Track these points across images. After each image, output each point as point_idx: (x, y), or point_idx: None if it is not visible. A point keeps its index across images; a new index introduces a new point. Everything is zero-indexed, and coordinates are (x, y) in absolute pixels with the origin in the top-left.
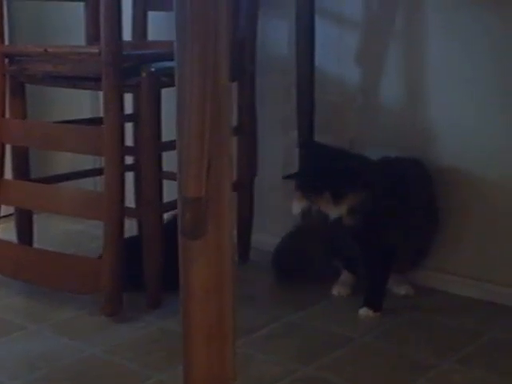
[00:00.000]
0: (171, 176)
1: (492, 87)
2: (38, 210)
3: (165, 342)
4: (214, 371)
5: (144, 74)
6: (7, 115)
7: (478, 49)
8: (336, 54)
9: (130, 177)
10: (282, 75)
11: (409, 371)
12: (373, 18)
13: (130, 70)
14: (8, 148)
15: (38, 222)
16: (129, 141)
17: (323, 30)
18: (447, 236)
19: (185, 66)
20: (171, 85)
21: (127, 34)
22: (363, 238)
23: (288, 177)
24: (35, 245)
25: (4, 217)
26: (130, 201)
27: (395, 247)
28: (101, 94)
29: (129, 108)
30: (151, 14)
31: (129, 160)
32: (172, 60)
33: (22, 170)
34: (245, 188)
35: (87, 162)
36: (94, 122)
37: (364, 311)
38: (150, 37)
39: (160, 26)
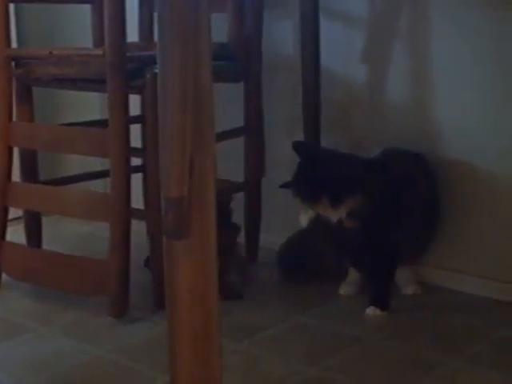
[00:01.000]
0: None
1: (499, 86)
2: (45, 213)
3: None
4: (200, 372)
5: (148, 76)
6: (14, 118)
7: (484, 47)
8: (341, 53)
9: (138, 178)
10: (288, 75)
11: (416, 370)
12: (378, 17)
13: (135, 71)
14: (16, 151)
15: (47, 225)
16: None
17: (328, 29)
18: (454, 233)
19: (166, 66)
20: None
21: (134, 35)
22: (365, 240)
23: (284, 186)
24: (44, 247)
25: (13, 219)
26: (139, 202)
27: (397, 246)
28: None
29: (137, 109)
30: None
31: (138, 161)
32: None
33: (30, 172)
34: (252, 188)
35: (97, 163)
36: (102, 123)
37: (371, 310)
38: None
39: None
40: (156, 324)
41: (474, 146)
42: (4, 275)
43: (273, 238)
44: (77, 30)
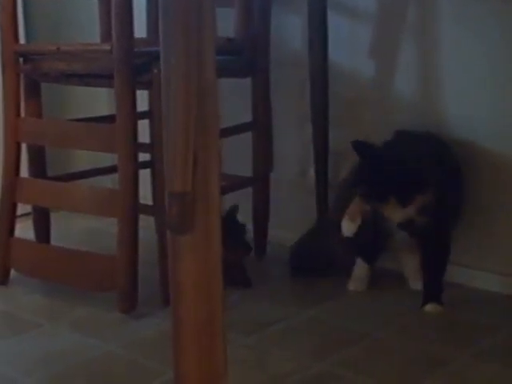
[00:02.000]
0: None
1: (508, 80)
2: (53, 208)
3: None
4: (205, 368)
5: (155, 71)
6: (22, 114)
7: (492, 41)
8: (349, 48)
9: (147, 174)
10: (296, 70)
11: (424, 366)
12: (385, 12)
13: (142, 66)
14: (24, 146)
15: (56, 221)
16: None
17: (336, 24)
18: (465, 228)
19: (169, 61)
20: None
21: (142, 31)
22: (432, 236)
23: (352, 185)
24: (53, 243)
25: (22, 215)
26: (148, 198)
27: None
28: None
29: (145, 104)
30: None
31: (146, 157)
32: None
33: (39, 168)
34: (261, 183)
35: (107, 159)
36: (110, 119)
37: (433, 307)
38: None
39: None
40: (164, 319)
41: (482, 140)
42: (13, 271)
43: (281, 233)
44: (84, 24)
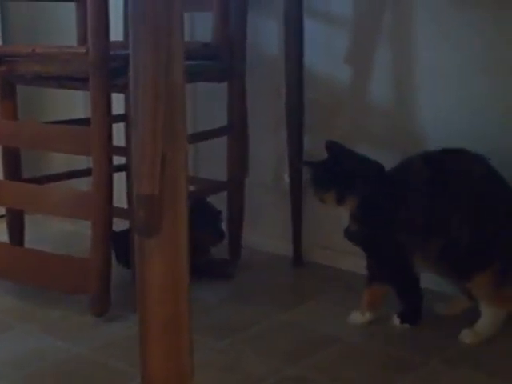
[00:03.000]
0: None
1: (483, 86)
2: (27, 210)
3: None
4: (171, 368)
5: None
6: None
7: (468, 48)
8: (325, 53)
9: (122, 177)
10: (272, 75)
11: (395, 371)
12: (361, 18)
13: (118, 69)
14: None
15: (31, 223)
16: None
17: (312, 29)
18: None
19: (137, 63)
20: None
21: (119, 34)
22: (367, 249)
23: (306, 163)
24: (27, 245)
25: None
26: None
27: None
28: None
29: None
30: None
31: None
32: None
33: (13, 170)
34: (236, 188)
35: (83, 161)
36: (86, 122)
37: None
38: None
39: None
40: (136, 323)
41: (457, 145)
42: None
43: (256, 237)
44: (62, 27)
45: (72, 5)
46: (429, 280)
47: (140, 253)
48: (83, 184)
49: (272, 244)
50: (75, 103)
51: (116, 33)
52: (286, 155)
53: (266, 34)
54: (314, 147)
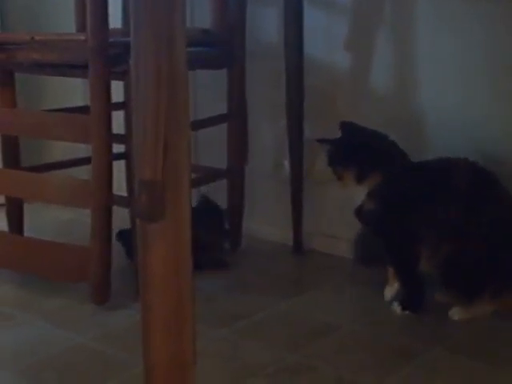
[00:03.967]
0: None
1: (482, 73)
2: (26, 199)
3: None
4: (174, 356)
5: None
6: None
7: (467, 34)
8: (325, 40)
9: (122, 165)
10: (272, 62)
11: (396, 359)
12: (361, 4)
13: (117, 57)
14: None
15: (30, 211)
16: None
17: (312, 16)
18: None
19: (139, 50)
20: None
21: (117, 21)
22: (377, 228)
23: (321, 140)
24: (27, 234)
25: None
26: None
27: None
28: None
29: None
30: None
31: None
32: None
33: (12, 158)
34: (235, 175)
35: (83, 150)
36: (85, 110)
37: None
38: None
39: None
40: (137, 311)
41: (457, 132)
42: None
43: (256, 225)
44: (61, 15)
45: None
46: None
47: (142, 238)
48: (83, 172)
49: (272, 232)
50: (74, 91)
51: (115, 20)
52: (286, 142)
53: (265, 21)
54: (315, 134)
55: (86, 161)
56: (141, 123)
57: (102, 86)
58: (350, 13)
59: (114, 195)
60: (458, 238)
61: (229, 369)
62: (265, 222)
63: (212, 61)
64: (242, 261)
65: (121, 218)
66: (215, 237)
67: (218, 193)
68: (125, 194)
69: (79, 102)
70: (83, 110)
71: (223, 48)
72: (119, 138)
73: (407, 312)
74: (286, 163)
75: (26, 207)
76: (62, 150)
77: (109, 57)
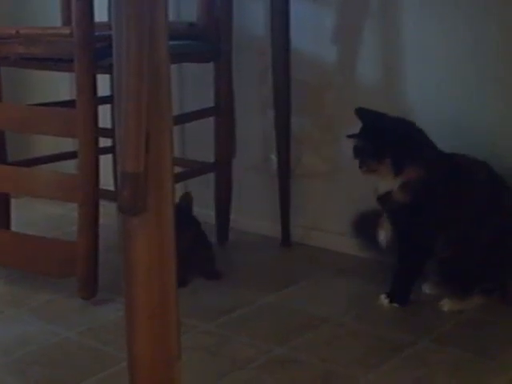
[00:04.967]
0: None
1: (468, 64)
2: (13, 193)
3: None
4: (158, 350)
5: None
6: None
7: (454, 25)
8: (312, 33)
9: (109, 159)
10: (258, 56)
11: (384, 351)
12: None
13: (103, 50)
14: None
15: (18, 206)
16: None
17: (299, 9)
18: None
19: (120, 42)
20: None
21: (103, 15)
22: (403, 223)
23: (351, 136)
24: (14, 229)
25: None
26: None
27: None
28: None
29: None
30: None
31: (108, 142)
32: None
33: None
34: (223, 169)
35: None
36: (71, 104)
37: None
38: None
39: None
40: (125, 306)
41: (445, 124)
42: None
43: (243, 218)
44: (47, 9)
45: None
46: None
47: (125, 232)
48: (70, 167)
49: (260, 225)
50: (60, 85)
51: (101, 13)
52: (274, 136)
53: (252, 14)
54: (302, 127)
55: (71, 155)
56: (123, 115)
57: (88, 79)
58: (337, 6)
59: (102, 190)
60: (467, 236)
61: (216, 362)
62: (252, 215)
63: (198, 54)
64: (230, 254)
65: (108, 212)
66: (199, 251)
67: (205, 186)
68: (112, 188)
69: (65, 96)
70: (69, 104)
71: (210, 41)
72: (106, 132)
73: (395, 304)
74: (274, 157)
75: (14, 202)
76: (47, 144)
77: (94, 50)
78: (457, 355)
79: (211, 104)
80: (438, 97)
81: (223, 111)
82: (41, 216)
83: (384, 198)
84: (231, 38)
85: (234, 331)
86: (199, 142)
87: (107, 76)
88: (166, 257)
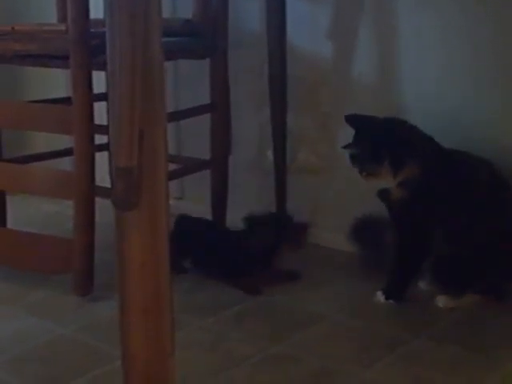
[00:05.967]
0: None
1: (465, 60)
2: (9, 190)
3: None
4: (152, 346)
5: None
6: None
7: (450, 22)
8: (308, 30)
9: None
10: (255, 52)
11: (381, 348)
12: None
13: (99, 47)
14: None
15: (14, 203)
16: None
17: (295, 5)
18: None
19: (114, 37)
20: None
21: (99, 12)
22: (403, 218)
23: (346, 146)
24: (10, 226)
25: None
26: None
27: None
28: None
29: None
30: None
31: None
32: None
33: None
34: (219, 165)
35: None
36: (67, 101)
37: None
38: None
39: None
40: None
41: (442, 119)
42: None
43: (239, 215)
44: (42, 5)
45: None
46: None
47: (118, 227)
48: (65, 164)
49: None
50: (56, 82)
51: (96, 10)
52: (270, 133)
53: (248, 11)
54: (298, 124)
55: (67, 152)
56: (116, 111)
57: (84, 76)
58: (333, 2)
59: (98, 186)
60: (465, 234)
61: (212, 359)
62: (248, 211)
63: (194, 51)
64: None
65: (104, 209)
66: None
67: (201, 183)
68: (108, 185)
69: (61, 93)
70: (65, 100)
71: (206, 38)
72: (102, 129)
73: (391, 301)
74: (269, 153)
75: (9, 199)
76: (42, 141)
77: (90, 47)
78: (453, 351)
79: (207, 101)
80: (433, 90)
81: (219, 108)
82: (36, 213)
83: (384, 193)
84: (227, 35)
85: (230, 328)
86: (195, 138)
87: (102, 72)
88: (159, 251)
